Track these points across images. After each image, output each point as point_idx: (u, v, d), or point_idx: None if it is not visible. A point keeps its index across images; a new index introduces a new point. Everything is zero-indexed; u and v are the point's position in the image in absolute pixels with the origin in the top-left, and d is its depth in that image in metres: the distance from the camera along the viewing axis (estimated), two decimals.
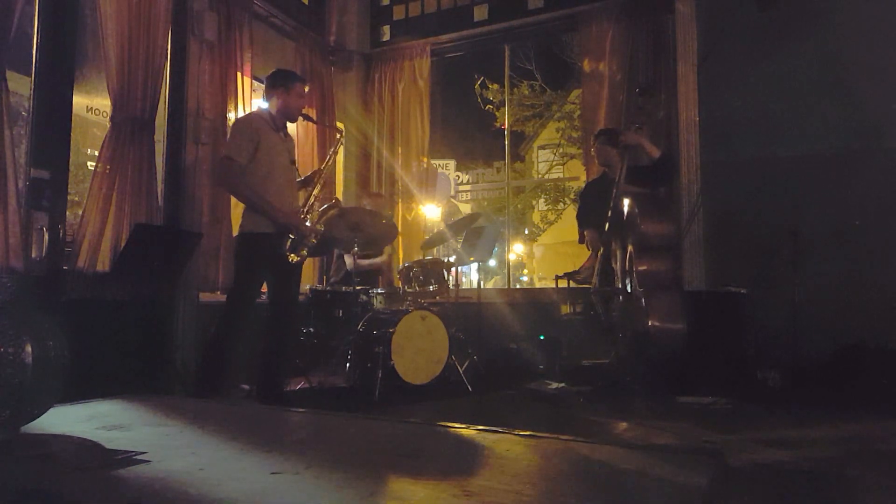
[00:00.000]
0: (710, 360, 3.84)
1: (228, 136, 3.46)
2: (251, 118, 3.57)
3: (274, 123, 3.58)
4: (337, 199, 3.88)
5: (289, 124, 3.76)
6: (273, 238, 3.43)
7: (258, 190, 3.44)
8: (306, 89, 3.75)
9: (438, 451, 2.24)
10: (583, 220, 4.36)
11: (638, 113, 3.87)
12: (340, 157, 6.17)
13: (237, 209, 3.60)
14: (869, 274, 4.19)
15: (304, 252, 3.54)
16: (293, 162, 3.67)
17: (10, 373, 2.12)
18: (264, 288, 3.65)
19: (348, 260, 4.95)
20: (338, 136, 3.91)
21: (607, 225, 3.82)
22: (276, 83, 3.60)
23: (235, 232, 3.59)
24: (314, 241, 3.59)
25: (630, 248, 3.61)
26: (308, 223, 3.58)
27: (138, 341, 3.63)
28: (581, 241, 4.33)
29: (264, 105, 3.73)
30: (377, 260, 5.14)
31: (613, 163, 4.11)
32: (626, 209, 3.68)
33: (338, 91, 6.05)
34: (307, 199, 3.66)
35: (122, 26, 3.82)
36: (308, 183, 3.81)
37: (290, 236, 3.46)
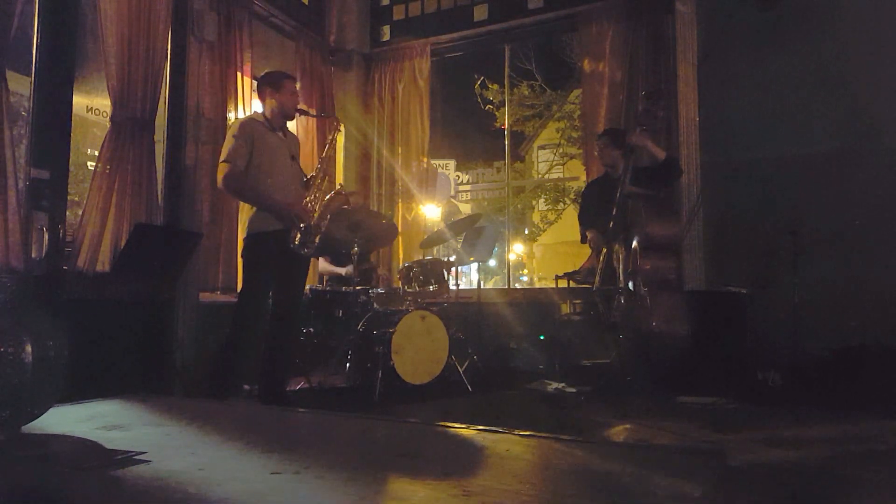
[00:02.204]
0: (711, 360, 3.84)
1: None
2: (244, 121, 3.60)
3: (270, 124, 3.60)
4: (341, 185, 3.85)
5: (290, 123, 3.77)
6: (280, 235, 3.44)
7: (259, 187, 3.47)
8: (298, 86, 3.76)
9: (438, 451, 2.24)
10: (584, 219, 4.36)
11: (644, 115, 3.87)
12: (340, 158, 6.18)
13: (243, 213, 3.62)
14: (869, 274, 4.19)
15: (315, 242, 3.52)
16: (294, 158, 3.67)
17: (10, 373, 2.12)
18: None
19: (322, 265, 4.95)
20: (335, 123, 3.91)
21: (611, 224, 3.82)
22: (266, 85, 3.65)
23: (242, 235, 3.60)
24: (322, 230, 3.56)
25: (635, 247, 3.61)
26: (315, 214, 3.55)
27: (138, 341, 3.63)
28: (583, 240, 4.33)
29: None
30: (340, 271, 4.96)
31: (617, 163, 4.12)
32: (630, 209, 3.68)
33: (338, 91, 6.05)
34: (311, 190, 3.64)
35: (122, 26, 3.82)
36: (317, 176, 3.76)
37: (300, 227, 3.45)
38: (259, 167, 3.49)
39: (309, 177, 3.70)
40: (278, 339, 3.56)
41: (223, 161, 3.45)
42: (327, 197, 3.64)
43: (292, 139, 3.80)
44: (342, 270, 4.86)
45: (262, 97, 3.68)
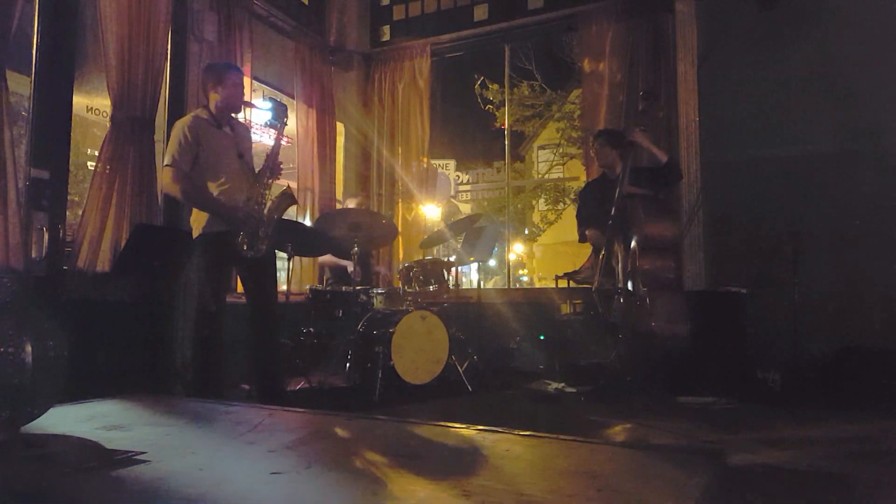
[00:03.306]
0: (711, 360, 3.84)
1: (167, 142, 3.38)
2: (186, 120, 3.45)
3: (215, 120, 3.48)
4: (288, 187, 3.72)
5: (288, 121, 3.70)
6: (229, 236, 3.35)
7: (207, 190, 3.38)
8: (244, 77, 3.65)
9: (438, 451, 2.24)
10: (583, 219, 4.36)
11: (642, 115, 3.86)
12: (340, 158, 6.18)
13: (195, 212, 3.49)
14: (869, 274, 4.19)
15: (264, 244, 3.40)
16: (242, 155, 3.53)
17: (10, 373, 2.12)
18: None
19: (323, 258, 4.94)
20: (284, 119, 3.64)
21: (610, 224, 3.82)
22: (210, 78, 3.52)
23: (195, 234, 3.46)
24: (269, 231, 3.42)
25: (634, 247, 3.61)
26: (264, 214, 3.42)
27: (138, 341, 3.63)
28: (581, 240, 4.33)
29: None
30: (346, 265, 4.95)
31: (613, 164, 4.12)
32: (629, 209, 3.68)
33: (338, 91, 6.05)
34: (256, 189, 3.47)
35: (122, 26, 3.82)
36: (262, 174, 3.57)
37: (246, 231, 3.35)
38: (205, 168, 3.38)
39: (262, 168, 3.54)
40: (262, 339, 3.51)
41: (167, 164, 3.33)
42: (278, 195, 3.51)
43: (241, 133, 3.65)
44: (348, 264, 4.87)
45: (205, 90, 3.54)
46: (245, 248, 3.35)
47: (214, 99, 3.50)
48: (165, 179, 3.38)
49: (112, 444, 2.16)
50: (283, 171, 3.65)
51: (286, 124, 3.63)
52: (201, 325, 3.42)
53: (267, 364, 3.55)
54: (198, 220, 3.43)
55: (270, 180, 3.49)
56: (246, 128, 3.79)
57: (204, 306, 3.41)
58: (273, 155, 3.53)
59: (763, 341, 4.14)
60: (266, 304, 3.55)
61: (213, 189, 3.39)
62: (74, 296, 3.53)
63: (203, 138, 3.38)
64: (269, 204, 3.44)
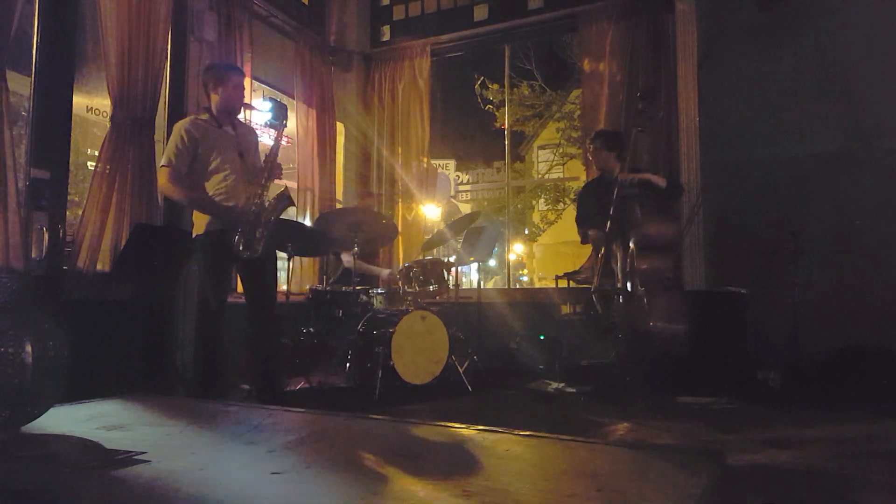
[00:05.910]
0: (710, 360, 3.84)
1: (167, 144, 3.40)
2: (184, 122, 3.45)
3: (215, 120, 3.48)
4: (286, 188, 3.69)
5: (288, 121, 3.69)
6: (229, 234, 3.33)
7: (203, 191, 3.36)
8: (245, 79, 3.64)
9: (438, 451, 2.24)
10: (582, 221, 4.35)
11: (640, 117, 3.86)
12: (340, 158, 6.18)
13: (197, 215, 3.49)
14: (868, 274, 4.19)
15: (259, 247, 3.34)
16: (244, 154, 3.49)
17: (10, 373, 2.12)
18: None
19: (345, 258, 4.94)
20: (284, 122, 3.59)
21: (609, 225, 3.81)
22: (211, 79, 3.52)
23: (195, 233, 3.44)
24: (265, 233, 3.37)
25: (632, 247, 3.61)
26: (262, 216, 3.36)
27: (138, 341, 3.63)
28: (584, 241, 4.32)
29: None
30: (378, 272, 5.06)
31: (611, 166, 4.12)
32: (627, 209, 3.68)
33: (338, 91, 6.05)
34: (253, 190, 3.42)
35: (122, 26, 3.82)
36: (260, 174, 3.51)
37: (241, 231, 3.31)
38: (204, 168, 3.37)
39: (262, 167, 3.49)
40: (261, 339, 3.49)
41: (163, 165, 3.34)
42: (275, 196, 3.45)
43: (245, 132, 3.62)
44: (384, 272, 4.90)
45: (206, 91, 3.54)
46: (241, 248, 3.31)
47: (215, 99, 3.49)
48: (161, 180, 3.41)
49: (112, 444, 2.15)
50: (283, 172, 3.63)
51: (286, 125, 3.60)
52: (202, 324, 3.41)
53: (266, 364, 3.54)
54: (199, 218, 3.42)
55: (268, 181, 3.43)
56: (249, 128, 3.78)
57: (205, 305, 3.40)
58: (272, 155, 3.46)
59: (763, 341, 4.14)
60: (265, 304, 3.52)
61: (213, 189, 3.37)
62: (74, 296, 3.53)
63: (202, 139, 3.37)
64: (266, 205, 3.40)
